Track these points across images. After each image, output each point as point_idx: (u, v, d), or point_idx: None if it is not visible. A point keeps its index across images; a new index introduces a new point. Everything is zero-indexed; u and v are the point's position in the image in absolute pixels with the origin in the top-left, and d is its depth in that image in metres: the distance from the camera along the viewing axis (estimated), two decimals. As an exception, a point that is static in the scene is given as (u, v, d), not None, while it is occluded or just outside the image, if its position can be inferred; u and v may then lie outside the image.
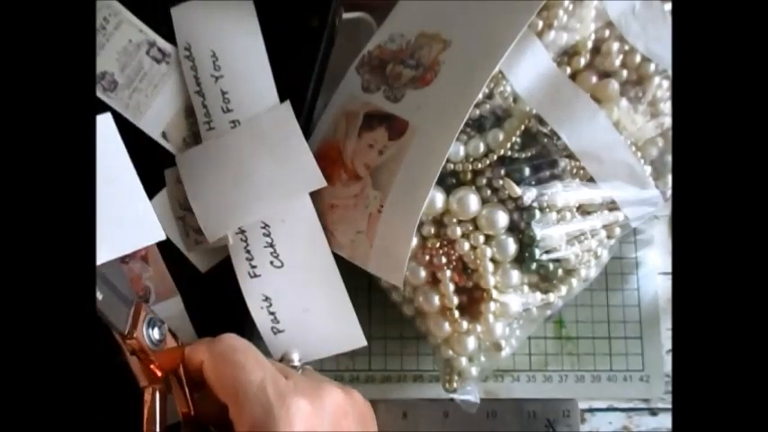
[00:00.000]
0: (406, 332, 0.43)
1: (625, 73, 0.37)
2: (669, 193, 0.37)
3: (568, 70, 0.37)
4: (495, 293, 0.36)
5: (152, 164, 0.39)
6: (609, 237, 0.37)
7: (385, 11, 0.41)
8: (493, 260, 0.36)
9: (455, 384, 0.38)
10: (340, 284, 0.38)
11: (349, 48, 0.41)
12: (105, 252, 0.35)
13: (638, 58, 0.37)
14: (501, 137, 0.36)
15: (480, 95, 0.35)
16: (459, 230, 0.36)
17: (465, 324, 0.36)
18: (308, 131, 0.39)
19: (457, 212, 0.36)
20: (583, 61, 0.37)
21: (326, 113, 0.40)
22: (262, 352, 0.35)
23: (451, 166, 0.36)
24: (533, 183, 0.36)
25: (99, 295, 0.29)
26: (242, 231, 0.38)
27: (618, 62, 0.37)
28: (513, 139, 0.36)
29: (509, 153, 0.36)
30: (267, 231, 0.38)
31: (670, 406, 0.42)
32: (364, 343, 0.38)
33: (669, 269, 0.44)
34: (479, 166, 0.36)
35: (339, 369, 0.43)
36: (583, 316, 0.43)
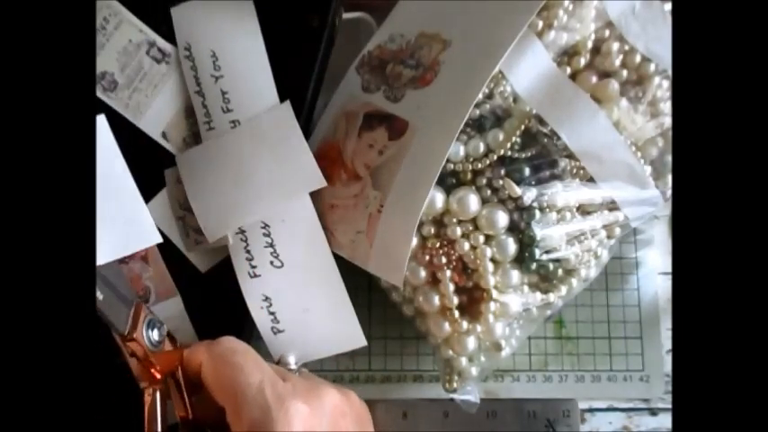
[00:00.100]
0: (406, 332, 0.43)
1: (625, 73, 0.37)
2: (669, 193, 0.37)
3: (568, 70, 0.37)
4: (495, 293, 0.36)
5: (152, 164, 0.39)
6: (609, 237, 0.37)
7: (385, 11, 0.41)
8: (493, 260, 0.36)
9: (455, 384, 0.38)
10: (340, 284, 0.38)
11: (349, 48, 0.41)
12: (101, 255, 0.35)
13: (638, 58, 0.37)
14: (501, 137, 0.36)
15: (480, 95, 0.34)
16: (459, 230, 0.36)
17: (465, 324, 0.36)
18: (308, 131, 0.39)
19: (457, 212, 0.36)
20: (583, 61, 0.37)
21: (326, 113, 0.40)
22: (262, 352, 0.36)
23: (451, 166, 0.36)
24: (533, 183, 0.36)
25: (99, 295, 0.29)
26: (242, 231, 0.38)
27: (618, 62, 0.37)
28: (513, 139, 0.36)
29: (509, 153, 0.36)
30: (267, 231, 0.38)
31: (670, 406, 0.42)
32: (364, 343, 0.38)
33: (669, 269, 0.44)
34: (479, 166, 0.36)
35: (339, 369, 0.43)
36: (583, 316, 0.43)
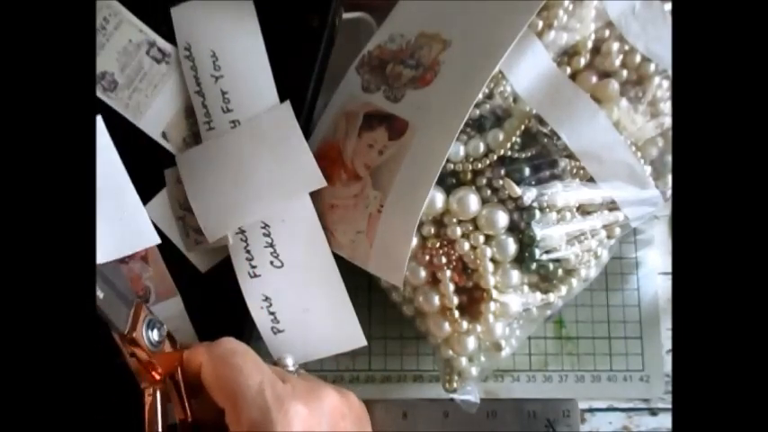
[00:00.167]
0: (406, 332, 0.43)
1: (625, 73, 0.37)
2: (669, 193, 0.37)
3: (568, 70, 0.37)
4: (495, 293, 0.36)
5: (152, 164, 0.39)
6: (609, 237, 0.37)
7: (385, 11, 0.41)
8: (493, 260, 0.36)
9: (455, 384, 0.38)
10: (340, 284, 0.38)
11: (349, 48, 0.41)
12: (99, 256, 0.35)
13: (638, 58, 0.37)
14: (501, 137, 0.36)
15: (480, 95, 0.35)
16: (459, 230, 0.36)
17: (465, 324, 0.36)
18: (308, 131, 0.39)
19: (457, 212, 0.36)
20: (583, 61, 0.37)
21: (326, 113, 0.40)
22: (262, 352, 0.36)
23: (451, 166, 0.36)
24: (533, 183, 0.36)
25: (100, 294, 0.29)
26: (242, 231, 0.38)
27: (618, 62, 0.37)
28: (513, 139, 0.36)
29: (509, 153, 0.36)
30: (267, 231, 0.38)
31: (670, 406, 0.42)
32: (364, 343, 0.38)
33: (669, 269, 0.44)
34: (479, 166, 0.36)
35: (339, 369, 0.43)
36: (583, 316, 0.43)
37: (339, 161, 0.38)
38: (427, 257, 0.36)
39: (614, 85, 0.36)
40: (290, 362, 0.35)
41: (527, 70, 0.36)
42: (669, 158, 0.37)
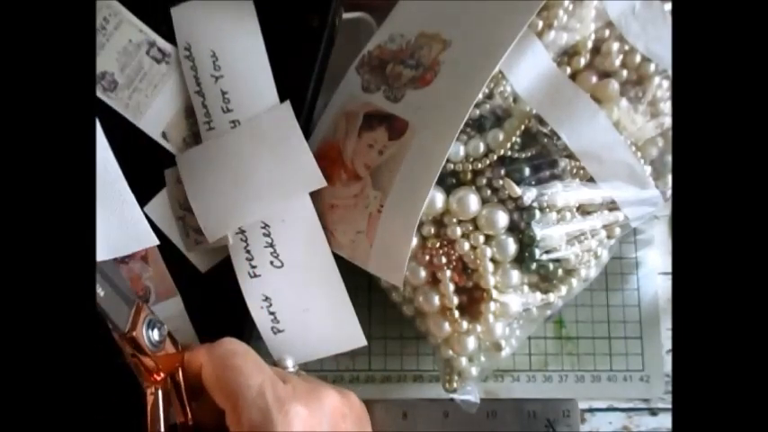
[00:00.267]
0: (406, 332, 0.43)
1: (625, 73, 0.37)
2: (669, 193, 0.37)
3: (568, 70, 0.37)
4: (495, 293, 0.36)
5: (152, 164, 0.39)
6: (609, 237, 0.37)
7: (385, 11, 0.41)
8: (493, 260, 0.36)
9: (455, 384, 0.38)
10: (340, 284, 0.38)
11: (349, 48, 0.41)
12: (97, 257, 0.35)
13: (638, 58, 0.37)
14: (501, 137, 0.36)
15: (480, 95, 0.34)
16: (459, 230, 0.36)
17: (465, 324, 0.36)
18: (308, 131, 0.39)
19: (457, 212, 0.36)
20: (583, 61, 0.37)
21: (326, 113, 0.40)
22: (262, 352, 0.36)
23: (451, 166, 0.36)
24: (533, 183, 0.36)
25: (101, 292, 0.29)
26: (242, 231, 0.38)
27: (618, 62, 0.37)
28: (513, 139, 0.36)
29: (509, 153, 0.36)
30: (267, 231, 0.38)
31: (670, 406, 0.42)
32: (364, 343, 0.38)
33: (669, 269, 0.44)
34: (479, 166, 0.36)
35: (339, 369, 0.43)
36: (583, 316, 0.43)
37: (339, 161, 0.38)
38: (427, 257, 0.36)
39: (614, 85, 0.36)
40: (289, 363, 0.35)
41: (527, 70, 0.36)
42: (669, 158, 0.37)
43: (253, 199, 0.37)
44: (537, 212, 0.36)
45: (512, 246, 0.36)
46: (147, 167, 0.39)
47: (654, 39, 0.37)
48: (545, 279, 0.37)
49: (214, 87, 0.39)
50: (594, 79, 0.37)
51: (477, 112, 0.36)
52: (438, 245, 0.36)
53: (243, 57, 0.39)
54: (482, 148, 0.36)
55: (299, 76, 0.39)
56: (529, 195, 0.35)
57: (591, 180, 0.36)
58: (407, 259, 0.34)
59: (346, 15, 0.42)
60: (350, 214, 0.37)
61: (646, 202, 0.37)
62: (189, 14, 0.40)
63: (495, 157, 0.36)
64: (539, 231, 0.35)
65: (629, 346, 0.43)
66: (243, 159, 0.38)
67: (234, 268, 0.38)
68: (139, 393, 0.32)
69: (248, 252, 0.38)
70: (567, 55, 0.37)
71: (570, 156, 0.36)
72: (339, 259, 0.38)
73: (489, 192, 0.36)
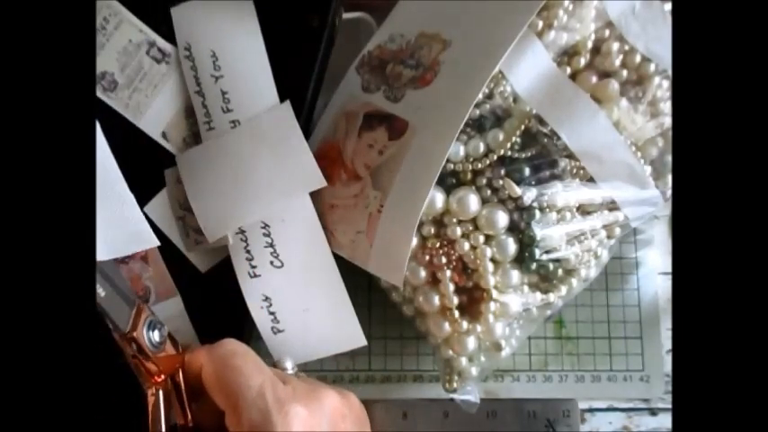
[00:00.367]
0: (406, 332, 0.43)
1: (625, 73, 0.37)
2: (669, 193, 0.37)
3: (568, 70, 0.37)
4: (495, 293, 0.36)
5: (152, 164, 0.39)
6: (609, 237, 0.37)
7: (385, 11, 0.41)
8: (493, 260, 0.36)
9: (455, 384, 0.38)
10: (340, 284, 0.38)
11: (349, 48, 0.41)
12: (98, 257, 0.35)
13: (638, 58, 0.37)
14: (501, 137, 0.36)
15: (480, 95, 0.34)
16: (459, 230, 0.36)
17: (465, 324, 0.36)
18: (308, 131, 0.39)
19: (457, 212, 0.36)
20: (583, 61, 0.37)
21: (326, 113, 0.40)
22: (262, 352, 0.36)
23: (451, 166, 0.36)
24: (533, 183, 0.36)
25: (101, 291, 0.29)
26: (242, 231, 0.38)
27: (618, 62, 0.37)
28: (513, 139, 0.36)
29: (509, 153, 0.36)
30: (267, 231, 0.38)
31: (670, 406, 0.42)
32: (364, 343, 0.38)
33: (669, 269, 0.44)
34: (479, 166, 0.36)
35: (339, 369, 0.43)
36: (583, 316, 0.43)
37: (339, 161, 0.38)
38: (427, 257, 0.36)
39: (614, 85, 0.36)
40: (289, 365, 0.35)
41: (527, 70, 0.36)
42: (669, 158, 0.37)
43: (253, 199, 0.37)
44: (537, 212, 0.36)
45: (512, 246, 0.36)
46: (147, 167, 0.39)
47: (654, 39, 0.37)
48: (545, 279, 0.37)
49: (214, 87, 0.39)
50: (594, 79, 0.37)
51: (477, 112, 0.36)
52: (438, 245, 0.36)
53: (243, 57, 0.39)
54: (482, 148, 0.36)
55: (299, 76, 0.39)
56: (529, 195, 0.35)
57: (591, 180, 0.36)
58: (407, 259, 0.34)
59: (346, 15, 0.42)
60: (350, 214, 0.37)
61: (646, 202, 0.37)
62: (189, 14, 0.40)
63: (495, 157, 0.36)
64: (539, 231, 0.35)
65: (629, 346, 0.43)
66: (243, 159, 0.38)
67: (234, 268, 0.38)
68: (140, 394, 0.32)
69: (248, 252, 0.38)
70: (567, 55, 0.37)
71: (570, 156, 0.36)
72: (339, 259, 0.38)
73: (489, 192, 0.36)
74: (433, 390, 0.42)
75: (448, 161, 0.36)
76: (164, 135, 0.39)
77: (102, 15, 0.39)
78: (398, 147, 0.36)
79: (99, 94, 0.39)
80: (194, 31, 0.39)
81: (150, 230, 0.38)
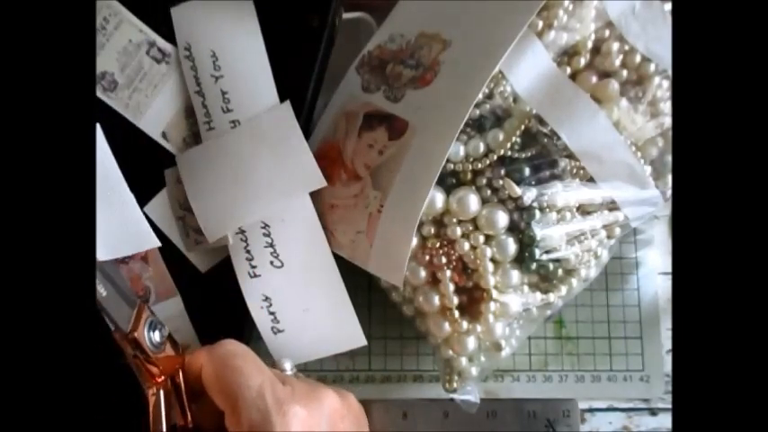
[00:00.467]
0: (406, 332, 0.43)
1: (625, 73, 0.37)
2: (669, 193, 0.37)
3: (568, 70, 0.37)
4: (495, 293, 0.36)
5: (152, 164, 0.39)
6: (609, 237, 0.37)
7: (385, 11, 0.41)
8: (493, 260, 0.36)
9: (455, 384, 0.38)
10: (340, 284, 0.38)
11: (349, 48, 0.41)
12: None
13: (638, 58, 0.37)
14: (501, 137, 0.36)
15: (480, 95, 0.35)
16: (459, 230, 0.36)
17: (465, 324, 0.36)
18: (308, 131, 0.39)
19: (457, 212, 0.36)
20: (583, 61, 0.37)
21: (326, 113, 0.40)
22: (262, 352, 0.36)
23: (451, 166, 0.36)
24: (533, 183, 0.36)
25: (103, 291, 0.29)
26: (242, 231, 0.38)
27: (618, 62, 0.37)
28: (513, 139, 0.36)
29: (509, 153, 0.36)
30: (267, 231, 0.38)
31: (670, 406, 0.42)
32: (364, 342, 0.38)
33: (669, 269, 0.44)
34: (479, 166, 0.36)
35: (339, 369, 0.43)
36: (583, 316, 0.43)
37: (339, 161, 0.38)
38: (427, 257, 0.36)
39: (614, 85, 0.36)
40: (287, 366, 0.35)
41: (527, 70, 0.36)
42: (669, 158, 0.37)
43: (253, 199, 0.37)
44: (537, 212, 0.36)
45: (512, 246, 0.36)
46: (147, 167, 0.39)
47: (654, 39, 0.37)
48: (545, 279, 0.37)
49: (214, 87, 0.39)
50: (594, 79, 0.37)
51: (477, 112, 0.36)
52: (438, 245, 0.36)
53: (243, 57, 0.39)
54: (482, 148, 0.36)
55: (299, 76, 0.39)
56: (529, 195, 0.35)
57: (591, 180, 0.36)
58: (407, 259, 0.34)
59: (346, 15, 0.42)
60: (350, 214, 0.37)
61: (646, 202, 0.37)
62: (189, 14, 0.40)
63: (495, 157, 0.36)
64: (539, 231, 0.35)
65: (629, 346, 0.43)
66: (243, 159, 0.38)
67: (234, 268, 0.38)
68: (140, 394, 0.32)
69: (248, 252, 0.38)
70: (567, 55, 0.37)
71: (570, 156, 0.36)
72: (339, 259, 0.38)
73: (489, 192, 0.36)
74: (433, 390, 0.42)
75: (448, 161, 0.36)
76: (164, 135, 0.39)
77: (102, 15, 0.39)
78: (398, 147, 0.36)
79: (99, 94, 0.39)
80: (194, 31, 0.39)
81: (150, 231, 0.38)
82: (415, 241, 0.35)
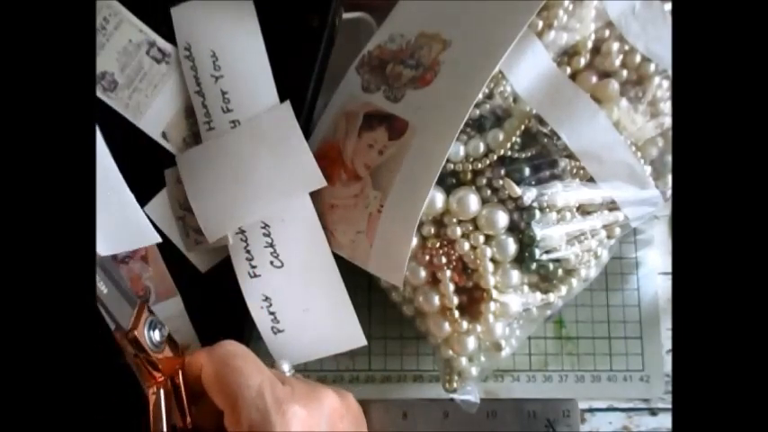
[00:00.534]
0: (406, 332, 0.43)
1: (625, 73, 0.37)
2: (669, 193, 0.37)
3: (568, 70, 0.37)
4: (495, 293, 0.36)
5: (152, 164, 0.39)
6: (609, 237, 0.37)
7: (385, 11, 0.41)
8: (493, 260, 0.36)
9: (455, 384, 0.38)
10: (340, 284, 0.38)
11: (349, 48, 0.41)
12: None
13: (638, 58, 0.37)
14: (501, 137, 0.36)
15: (480, 95, 0.35)
16: (459, 230, 0.36)
17: (465, 324, 0.36)
18: (308, 131, 0.39)
19: (457, 212, 0.36)
20: (583, 61, 0.37)
21: (326, 113, 0.40)
22: (262, 352, 0.36)
23: (451, 166, 0.36)
24: (533, 183, 0.36)
25: (104, 289, 0.29)
26: (242, 231, 0.38)
27: (618, 62, 0.37)
28: (513, 139, 0.36)
29: (509, 153, 0.36)
30: (267, 231, 0.38)
31: (670, 406, 0.42)
32: (364, 342, 0.38)
33: (669, 269, 0.44)
34: (479, 166, 0.36)
35: (339, 369, 0.43)
36: (583, 316, 0.43)
37: (339, 161, 0.38)
38: (427, 257, 0.36)
39: (614, 85, 0.36)
40: (285, 367, 0.35)
41: (527, 70, 0.36)
42: (669, 158, 0.37)
43: (252, 199, 0.37)
44: (537, 212, 0.36)
45: (512, 246, 0.36)
46: (147, 167, 0.39)
47: (654, 39, 0.37)
48: (545, 279, 0.37)
49: (214, 87, 0.39)
50: (594, 79, 0.37)
51: (477, 112, 0.36)
52: (438, 245, 0.36)
53: (243, 57, 0.39)
54: (482, 148, 0.36)
55: (299, 76, 0.39)
56: (529, 195, 0.35)
57: (591, 180, 0.36)
58: (407, 259, 0.34)
59: (346, 15, 0.42)
60: (350, 214, 0.37)
61: (646, 202, 0.37)
62: (189, 14, 0.40)
63: (495, 157, 0.36)
64: (539, 231, 0.35)
65: (629, 346, 0.43)
66: (243, 159, 0.38)
67: (234, 268, 0.38)
68: (140, 393, 0.32)
69: (248, 252, 0.38)
70: (567, 55, 0.37)
71: (570, 156, 0.36)
72: (339, 259, 0.38)
73: (489, 192, 0.36)
74: (433, 390, 0.42)
75: (448, 161, 0.36)
76: (164, 135, 0.39)
77: (102, 15, 0.39)
78: (398, 147, 0.36)
79: (99, 94, 0.39)
80: (194, 31, 0.39)
81: (151, 227, 0.38)
82: (415, 241, 0.35)
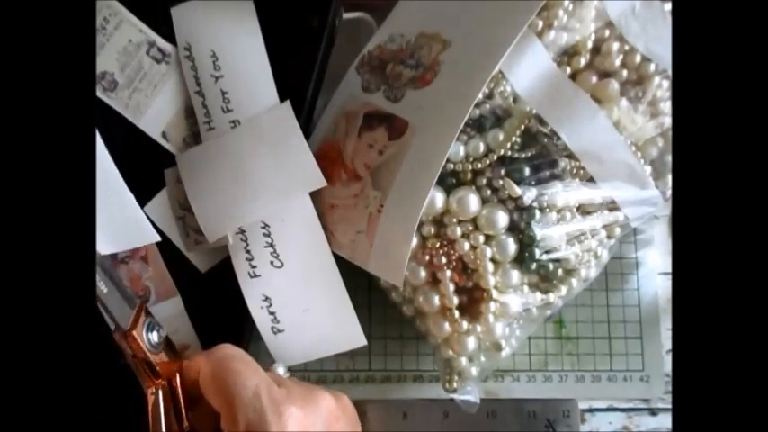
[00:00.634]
0: (406, 332, 0.43)
1: (625, 73, 0.37)
2: (669, 193, 0.37)
3: (568, 70, 0.37)
4: (495, 293, 0.36)
5: (152, 164, 0.39)
6: (609, 237, 0.37)
7: (385, 11, 0.41)
8: (493, 260, 0.36)
9: (455, 384, 0.38)
10: (340, 284, 0.38)
11: (349, 48, 0.41)
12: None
13: (638, 58, 0.37)
14: (501, 137, 0.36)
15: (480, 95, 0.35)
16: (459, 230, 0.36)
17: (465, 324, 0.36)
18: (308, 131, 0.39)
19: (457, 212, 0.36)
20: (583, 61, 0.37)
21: (326, 113, 0.40)
22: (262, 352, 0.36)
23: (451, 166, 0.36)
24: (533, 183, 0.36)
25: (104, 288, 0.29)
26: (242, 231, 0.38)
27: (618, 62, 0.37)
28: (513, 139, 0.36)
29: (509, 153, 0.36)
30: (267, 231, 0.38)
31: (670, 406, 0.42)
32: (364, 342, 0.38)
33: (669, 269, 0.44)
34: (479, 166, 0.36)
35: (339, 369, 0.43)
36: (583, 316, 0.43)
37: (339, 161, 0.38)
38: (427, 257, 0.36)
39: (614, 85, 0.36)
40: (281, 370, 0.35)
41: (527, 70, 0.36)
42: (669, 158, 0.37)
43: (252, 199, 0.37)
44: (537, 212, 0.36)
45: (512, 246, 0.36)
46: (147, 167, 0.39)
47: (654, 39, 0.37)
48: (545, 279, 0.37)
49: (214, 87, 0.39)
50: (594, 79, 0.37)
51: (477, 112, 0.36)
52: (438, 245, 0.36)
53: (243, 57, 0.39)
54: (482, 148, 0.36)
55: (299, 76, 0.39)
56: (529, 195, 0.35)
57: (591, 180, 0.36)
58: (407, 259, 0.34)
59: (346, 15, 0.42)
60: (350, 214, 0.37)
61: (646, 202, 0.37)
62: (189, 14, 0.40)
63: (495, 157, 0.36)
64: (539, 231, 0.35)
65: (629, 346, 0.43)
66: (243, 159, 0.38)
67: (234, 268, 0.38)
68: (139, 394, 0.32)
69: (248, 252, 0.38)
70: (567, 55, 0.37)
71: (570, 156, 0.36)
72: (339, 259, 0.38)
73: (489, 192, 0.36)
74: (433, 390, 0.42)
75: (448, 161, 0.36)
76: (164, 135, 0.39)
77: (102, 15, 0.39)
78: (398, 147, 0.36)
79: (99, 94, 0.39)
80: (194, 31, 0.39)
81: (150, 226, 0.38)
82: (415, 241, 0.35)
